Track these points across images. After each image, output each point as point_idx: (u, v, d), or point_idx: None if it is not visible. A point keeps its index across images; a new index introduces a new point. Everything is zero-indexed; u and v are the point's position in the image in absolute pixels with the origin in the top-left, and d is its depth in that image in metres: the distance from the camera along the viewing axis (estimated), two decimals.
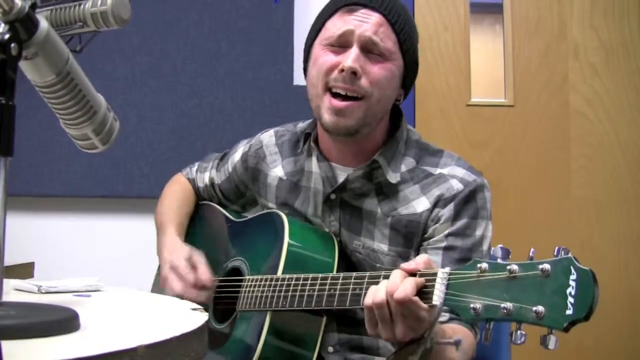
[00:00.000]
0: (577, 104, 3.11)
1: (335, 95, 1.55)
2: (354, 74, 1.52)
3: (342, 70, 1.52)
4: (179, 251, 1.71)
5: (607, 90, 3.11)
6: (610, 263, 3.03)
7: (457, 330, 1.44)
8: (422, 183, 1.60)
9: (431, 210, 1.57)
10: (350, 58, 1.52)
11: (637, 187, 3.09)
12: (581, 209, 3.08)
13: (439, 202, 1.57)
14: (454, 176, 1.59)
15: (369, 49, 1.54)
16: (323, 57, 1.57)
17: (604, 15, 3.12)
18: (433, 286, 1.19)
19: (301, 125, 1.82)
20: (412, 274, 1.25)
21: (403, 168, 1.62)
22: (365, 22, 1.55)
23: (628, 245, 3.06)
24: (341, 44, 1.55)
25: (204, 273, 1.65)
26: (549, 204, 3.08)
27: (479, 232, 1.56)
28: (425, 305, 1.21)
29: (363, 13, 1.56)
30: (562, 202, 3.08)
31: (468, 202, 1.56)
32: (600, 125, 3.10)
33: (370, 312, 1.27)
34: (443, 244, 1.55)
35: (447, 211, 1.56)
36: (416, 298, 1.20)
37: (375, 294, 1.25)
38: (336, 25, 1.57)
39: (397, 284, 1.22)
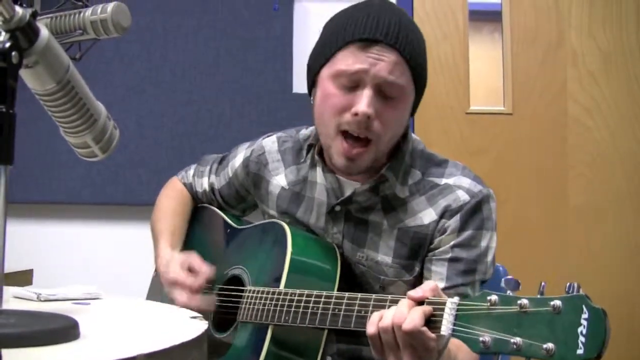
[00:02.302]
0: (575, 111, 3.11)
1: (347, 134, 1.51)
2: (368, 117, 1.47)
3: (356, 114, 1.47)
4: (172, 264, 1.69)
5: (605, 98, 3.11)
6: (608, 270, 3.03)
7: (460, 346, 1.44)
8: (429, 194, 1.58)
9: (438, 221, 1.55)
10: (364, 103, 1.46)
11: (635, 194, 3.09)
12: (579, 216, 3.08)
13: (445, 213, 1.55)
14: (460, 187, 1.57)
15: (382, 89, 1.48)
16: (334, 98, 1.50)
17: (602, 23, 3.13)
18: (442, 315, 1.17)
19: (304, 132, 1.80)
20: (420, 301, 1.23)
21: (410, 181, 1.61)
22: (381, 61, 1.47)
23: (626, 253, 3.06)
24: (353, 82, 1.48)
25: (203, 271, 1.64)
26: (547, 212, 3.09)
27: (484, 243, 1.55)
28: (434, 335, 1.19)
29: (378, 51, 1.47)
30: (561, 210, 3.09)
31: (474, 213, 1.55)
32: (598, 133, 3.11)
33: (375, 339, 1.25)
34: (448, 255, 1.54)
35: (453, 222, 1.54)
36: (425, 329, 1.18)
37: (381, 321, 1.23)
38: (348, 62, 1.48)
39: (405, 314, 1.20)
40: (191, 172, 1.99)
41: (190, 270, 1.66)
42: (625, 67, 3.12)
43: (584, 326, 1.02)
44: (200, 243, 1.89)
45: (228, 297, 1.66)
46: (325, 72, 1.54)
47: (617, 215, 3.09)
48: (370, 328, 1.25)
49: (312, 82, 1.61)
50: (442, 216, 1.56)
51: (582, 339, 1.01)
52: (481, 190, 1.57)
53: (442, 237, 1.55)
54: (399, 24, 1.50)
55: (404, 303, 1.23)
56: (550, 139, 3.11)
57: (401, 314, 1.20)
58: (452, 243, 1.54)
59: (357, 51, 1.48)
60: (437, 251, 1.56)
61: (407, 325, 1.18)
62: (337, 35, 1.53)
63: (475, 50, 3.17)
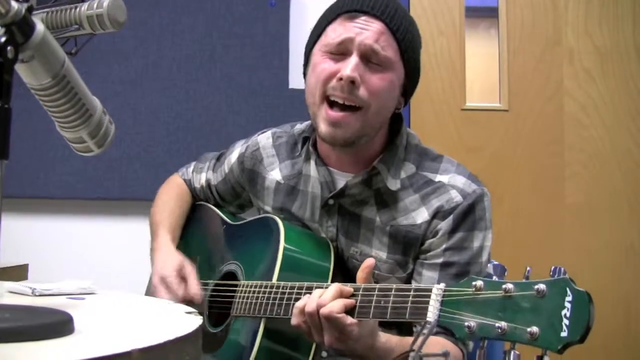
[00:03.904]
0: (571, 109, 3.11)
1: (333, 104, 1.53)
2: (352, 83, 1.49)
3: (341, 79, 1.50)
4: (171, 261, 1.70)
5: (601, 96, 3.11)
6: (604, 269, 3.04)
7: (445, 345, 1.46)
8: (422, 192, 1.59)
9: (430, 221, 1.56)
10: (349, 67, 1.49)
11: (631, 193, 3.09)
12: (575, 214, 3.09)
13: (438, 214, 1.56)
14: (454, 186, 1.57)
15: (368, 58, 1.51)
16: (322, 65, 1.54)
17: (599, 21, 3.13)
18: (428, 302, 1.19)
19: (299, 126, 1.81)
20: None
21: (403, 174, 1.61)
22: (366, 30, 1.51)
23: (622, 252, 3.07)
24: (341, 52, 1.52)
25: (193, 287, 1.65)
26: (543, 210, 3.09)
27: (476, 244, 1.55)
28: (351, 321, 1.29)
29: (364, 20, 1.53)
30: (556, 208, 3.09)
31: (467, 215, 1.55)
32: (594, 130, 3.11)
33: (301, 319, 1.36)
34: (440, 260, 1.55)
35: (445, 224, 1.55)
36: (341, 315, 1.29)
37: (307, 304, 1.33)
38: (336, 32, 1.54)
39: (327, 301, 1.30)
40: (191, 168, 2.00)
41: (184, 279, 1.67)
42: (621, 65, 3.12)
43: (568, 309, 1.02)
44: (196, 240, 1.90)
45: (222, 292, 1.66)
46: (317, 47, 1.59)
47: (613, 213, 3.09)
48: (297, 311, 1.37)
49: (306, 62, 1.64)
50: (434, 216, 1.56)
51: (565, 321, 1.02)
52: (475, 190, 1.57)
53: (433, 239, 1.56)
54: (387, 0, 1.56)
55: (331, 290, 1.32)
56: (547, 136, 3.11)
57: (324, 300, 1.31)
58: (443, 247, 1.55)
59: (344, 21, 1.54)
60: (428, 254, 1.56)
61: (324, 310, 1.30)
62: (327, 13, 1.60)
63: (472, 46, 3.17)
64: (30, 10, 0.98)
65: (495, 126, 3.11)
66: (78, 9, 1.14)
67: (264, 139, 1.83)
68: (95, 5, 1.13)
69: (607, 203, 3.09)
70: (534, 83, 3.12)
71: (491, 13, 3.19)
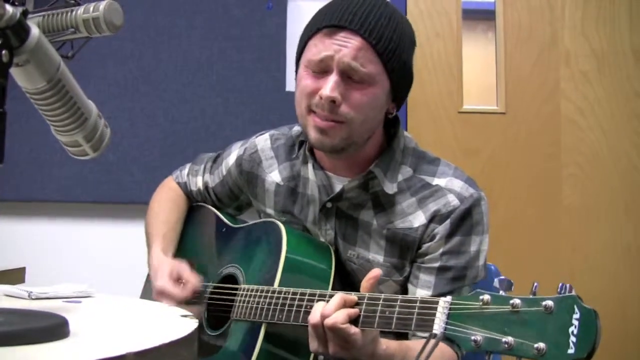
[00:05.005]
0: (568, 111, 3.12)
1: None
2: (332, 102, 1.49)
3: (322, 98, 1.49)
4: (162, 270, 1.69)
5: (598, 98, 3.12)
6: (601, 270, 3.04)
7: (443, 350, 1.46)
8: (419, 196, 1.58)
9: (427, 225, 1.56)
10: (329, 87, 1.48)
11: (628, 195, 3.10)
12: (572, 216, 3.09)
13: (435, 218, 1.55)
14: (451, 190, 1.57)
15: (349, 75, 1.49)
16: (305, 80, 1.54)
17: (595, 23, 3.13)
18: (434, 314, 1.19)
19: (297, 128, 1.80)
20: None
21: (400, 177, 1.61)
22: (345, 47, 1.49)
23: (618, 253, 3.07)
24: (322, 69, 1.51)
25: (191, 280, 1.65)
26: (540, 212, 3.09)
27: (473, 248, 1.55)
28: (355, 331, 1.29)
29: (343, 37, 1.50)
30: (553, 210, 3.09)
31: (464, 219, 1.55)
32: (591, 133, 3.11)
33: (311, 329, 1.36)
34: (437, 264, 1.55)
35: (442, 228, 1.54)
36: (345, 325, 1.29)
37: (311, 316, 1.34)
38: (317, 48, 1.52)
39: (331, 311, 1.30)
40: (185, 171, 1.99)
41: (179, 279, 1.67)
42: (618, 68, 3.13)
43: (575, 326, 1.03)
44: (195, 242, 1.89)
45: (222, 295, 1.66)
46: (301, 61, 1.58)
47: (610, 215, 3.09)
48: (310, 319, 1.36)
49: (296, 69, 1.64)
50: (431, 220, 1.56)
51: (573, 339, 1.02)
52: (472, 195, 1.57)
53: (430, 243, 1.55)
54: (369, 10, 1.53)
55: (335, 300, 1.32)
56: (544, 139, 3.12)
57: (329, 310, 1.31)
58: (441, 250, 1.55)
59: (324, 38, 1.52)
60: (425, 258, 1.56)
61: (328, 320, 1.30)
62: (308, 27, 1.59)
63: (469, 49, 3.18)
64: (25, 14, 0.98)
65: (493, 129, 3.12)
66: (74, 13, 1.13)
67: (262, 141, 1.83)
68: (91, 9, 1.13)
69: (604, 205, 3.10)
70: (530, 85, 3.13)
71: (488, 15, 3.19)
